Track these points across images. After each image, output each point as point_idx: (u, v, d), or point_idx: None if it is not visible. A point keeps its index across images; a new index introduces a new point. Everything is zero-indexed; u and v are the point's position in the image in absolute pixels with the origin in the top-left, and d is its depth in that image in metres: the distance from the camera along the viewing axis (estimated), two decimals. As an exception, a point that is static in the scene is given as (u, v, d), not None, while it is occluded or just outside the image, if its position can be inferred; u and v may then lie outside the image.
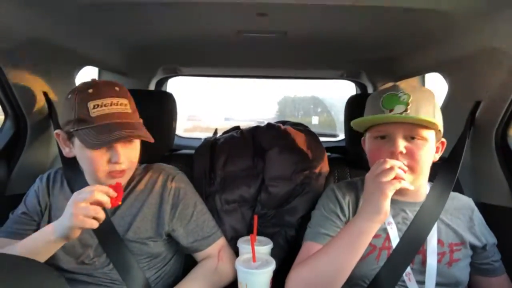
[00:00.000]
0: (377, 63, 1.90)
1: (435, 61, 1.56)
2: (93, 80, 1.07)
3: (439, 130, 1.06)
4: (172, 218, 1.15)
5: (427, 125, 1.00)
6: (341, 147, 1.73)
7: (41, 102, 1.37)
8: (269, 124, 1.55)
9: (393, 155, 1.00)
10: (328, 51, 1.74)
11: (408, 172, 0.99)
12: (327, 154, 1.53)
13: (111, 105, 1.00)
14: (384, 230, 1.07)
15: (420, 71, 1.83)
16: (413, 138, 1.01)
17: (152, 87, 2.29)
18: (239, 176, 1.44)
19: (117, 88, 1.05)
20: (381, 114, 1.02)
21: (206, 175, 1.46)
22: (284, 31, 1.39)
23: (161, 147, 1.58)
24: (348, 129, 1.62)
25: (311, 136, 1.54)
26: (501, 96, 1.26)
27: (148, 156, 1.32)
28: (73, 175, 1.17)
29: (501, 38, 1.12)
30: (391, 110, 1.01)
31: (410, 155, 1.00)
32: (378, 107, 1.04)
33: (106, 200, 0.92)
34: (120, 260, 1.10)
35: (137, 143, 1.10)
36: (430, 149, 1.03)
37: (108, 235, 1.10)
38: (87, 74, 1.73)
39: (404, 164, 0.98)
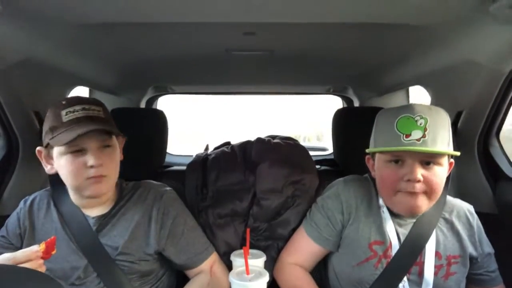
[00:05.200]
0: (362, 77, 1.95)
1: (417, 74, 1.62)
2: (72, 97, 1.12)
3: None
4: (162, 237, 1.13)
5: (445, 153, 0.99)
6: (330, 160, 1.76)
7: (33, 122, 1.38)
8: (258, 139, 1.57)
9: (410, 182, 0.98)
10: (314, 68, 1.79)
11: (424, 198, 1.00)
12: (316, 166, 1.56)
13: (82, 110, 1.03)
14: (388, 237, 1.07)
15: (403, 84, 1.89)
16: (428, 163, 0.99)
17: (143, 105, 2.32)
18: (231, 190, 1.45)
19: (90, 99, 1.09)
20: (397, 137, 0.98)
21: (198, 190, 1.47)
22: (271, 49, 1.43)
23: (153, 164, 1.60)
24: (336, 141, 1.66)
25: (301, 149, 1.57)
26: (481, 106, 1.30)
27: (140, 173, 1.34)
28: (60, 195, 1.16)
29: (476, 51, 1.17)
30: (407, 135, 0.97)
31: (427, 182, 0.98)
32: (393, 131, 0.99)
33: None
34: (111, 279, 1.08)
35: (114, 151, 1.10)
36: (444, 173, 1.02)
37: (97, 255, 1.09)
38: (79, 94, 1.74)
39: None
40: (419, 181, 0.98)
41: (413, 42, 1.29)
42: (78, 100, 1.06)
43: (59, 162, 1.05)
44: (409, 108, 1.00)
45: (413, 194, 0.99)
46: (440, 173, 1.00)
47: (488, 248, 1.13)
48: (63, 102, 1.05)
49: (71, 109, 1.03)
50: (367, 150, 1.08)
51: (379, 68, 1.75)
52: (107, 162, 1.06)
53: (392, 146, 0.98)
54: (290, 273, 1.19)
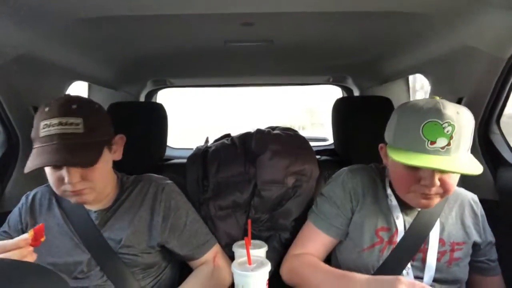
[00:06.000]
0: (362, 67, 1.94)
1: (416, 63, 1.61)
2: (57, 98, 1.02)
3: None
4: (164, 230, 1.14)
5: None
6: (330, 150, 1.77)
7: (32, 117, 1.36)
8: (258, 130, 1.57)
9: (427, 189, 0.97)
10: (314, 58, 1.78)
11: (438, 198, 1.00)
12: (317, 156, 1.57)
13: (58, 125, 0.96)
14: (394, 224, 1.08)
15: (403, 73, 1.88)
16: None
17: (142, 99, 2.31)
18: (232, 182, 1.46)
19: (74, 106, 0.98)
20: (421, 143, 0.93)
21: (199, 182, 1.48)
22: (270, 39, 1.42)
23: (153, 157, 1.60)
24: (336, 131, 1.66)
25: (301, 140, 1.57)
26: (481, 93, 1.30)
27: (140, 167, 1.34)
28: None
29: (476, 38, 1.17)
30: (432, 142, 0.92)
31: (443, 185, 0.97)
32: (418, 135, 0.93)
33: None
34: (114, 272, 1.09)
35: (98, 165, 1.01)
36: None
37: (100, 249, 1.10)
38: (78, 88, 1.74)
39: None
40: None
41: (413, 30, 1.28)
42: (57, 110, 0.97)
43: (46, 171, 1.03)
44: (438, 112, 0.92)
45: (428, 195, 0.98)
46: (456, 175, 0.99)
47: (490, 237, 1.14)
48: (45, 110, 0.98)
49: (48, 122, 0.96)
50: (390, 155, 0.99)
51: (378, 57, 1.74)
52: (88, 177, 1.01)
53: (415, 150, 0.94)
54: (299, 260, 1.14)
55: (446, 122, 0.91)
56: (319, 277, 1.05)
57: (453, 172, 0.94)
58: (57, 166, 0.99)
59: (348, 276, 0.99)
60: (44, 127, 0.96)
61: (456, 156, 0.93)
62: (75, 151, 0.95)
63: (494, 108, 1.34)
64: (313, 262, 1.11)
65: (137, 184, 1.20)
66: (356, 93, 2.39)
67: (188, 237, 1.18)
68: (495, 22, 1.06)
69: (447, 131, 0.91)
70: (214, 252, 1.22)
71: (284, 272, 1.17)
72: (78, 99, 1.03)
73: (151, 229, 1.13)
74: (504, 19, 1.03)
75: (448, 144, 0.91)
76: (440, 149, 0.92)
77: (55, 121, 0.96)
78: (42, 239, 0.90)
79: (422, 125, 0.93)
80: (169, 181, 1.24)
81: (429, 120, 0.92)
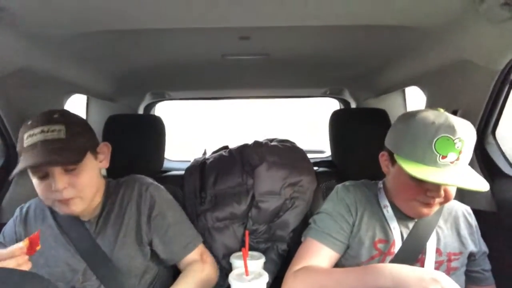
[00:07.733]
0: (358, 79, 1.96)
1: (412, 75, 1.62)
2: (41, 113, 1.04)
3: None
4: (149, 229, 1.14)
5: None
6: (327, 161, 1.77)
7: (30, 130, 1.38)
8: (256, 142, 1.58)
9: (433, 199, 0.99)
10: (310, 71, 1.79)
11: (438, 206, 1.02)
12: (314, 168, 1.57)
13: (41, 132, 0.97)
14: (391, 235, 1.08)
15: (399, 85, 1.90)
16: None
17: (140, 112, 2.32)
18: (229, 193, 1.46)
19: (56, 116, 1.02)
20: (433, 157, 0.94)
21: (197, 194, 1.48)
22: (267, 53, 1.44)
23: (151, 169, 1.60)
24: (334, 143, 1.67)
25: (298, 151, 1.58)
26: (476, 104, 1.31)
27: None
28: None
29: (469, 50, 1.18)
30: (443, 157, 0.93)
31: (446, 195, 0.99)
32: (431, 149, 0.94)
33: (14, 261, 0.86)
34: (110, 280, 1.09)
35: (83, 170, 1.03)
36: None
37: (95, 256, 1.10)
38: (77, 101, 1.75)
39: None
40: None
41: (407, 43, 1.30)
42: (40, 121, 1.00)
43: (34, 182, 1.04)
44: (451, 128, 0.94)
45: (430, 204, 1.00)
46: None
47: (484, 247, 1.15)
48: (28, 123, 1.00)
49: (31, 132, 0.98)
50: (403, 167, 0.97)
51: (374, 70, 1.76)
52: (75, 183, 1.02)
53: (427, 164, 0.95)
54: (307, 271, 1.06)
55: (457, 138, 0.93)
56: (338, 279, 0.99)
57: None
58: (44, 177, 1.00)
59: (369, 269, 0.95)
60: (28, 137, 0.98)
61: (463, 169, 0.95)
62: (58, 153, 0.97)
63: (489, 119, 1.34)
64: (323, 268, 1.06)
65: (121, 186, 1.19)
66: (353, 105, 2.40)
67: (172, 237, 1.16)
68: (487, 34, 1.08)
69: (457, 147, 0.93)
70: (201, 251, 1.21)
71: (293, 284, 1.05)
72: (60, 110, 1.06)
73: (139, 229, 1.13)
74: (496, 32, 1.04)
75: (457, 158, 0.93)
76: (450, 163, 0.94)
77: (37, 130, 0.98)
78: (38, 248, 0.90)
79: (435, 140, 0.94)
80: (153, 181, 1.23)
81: (442, 135, 0.94)
